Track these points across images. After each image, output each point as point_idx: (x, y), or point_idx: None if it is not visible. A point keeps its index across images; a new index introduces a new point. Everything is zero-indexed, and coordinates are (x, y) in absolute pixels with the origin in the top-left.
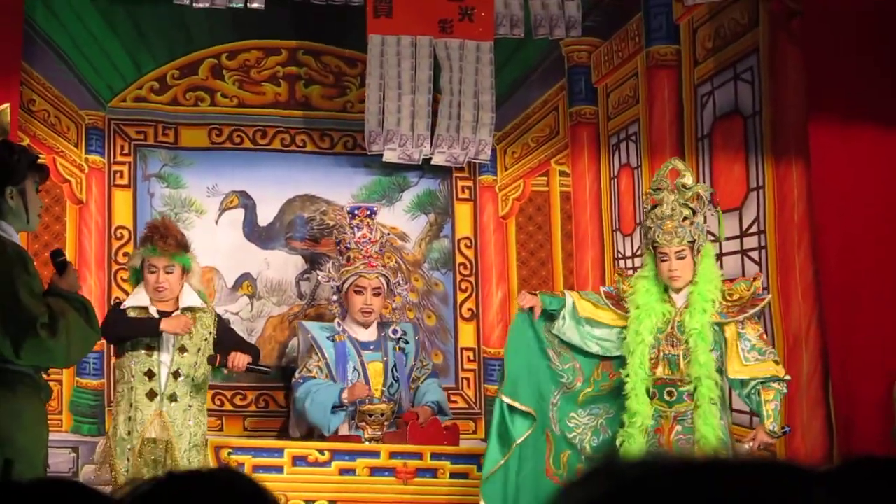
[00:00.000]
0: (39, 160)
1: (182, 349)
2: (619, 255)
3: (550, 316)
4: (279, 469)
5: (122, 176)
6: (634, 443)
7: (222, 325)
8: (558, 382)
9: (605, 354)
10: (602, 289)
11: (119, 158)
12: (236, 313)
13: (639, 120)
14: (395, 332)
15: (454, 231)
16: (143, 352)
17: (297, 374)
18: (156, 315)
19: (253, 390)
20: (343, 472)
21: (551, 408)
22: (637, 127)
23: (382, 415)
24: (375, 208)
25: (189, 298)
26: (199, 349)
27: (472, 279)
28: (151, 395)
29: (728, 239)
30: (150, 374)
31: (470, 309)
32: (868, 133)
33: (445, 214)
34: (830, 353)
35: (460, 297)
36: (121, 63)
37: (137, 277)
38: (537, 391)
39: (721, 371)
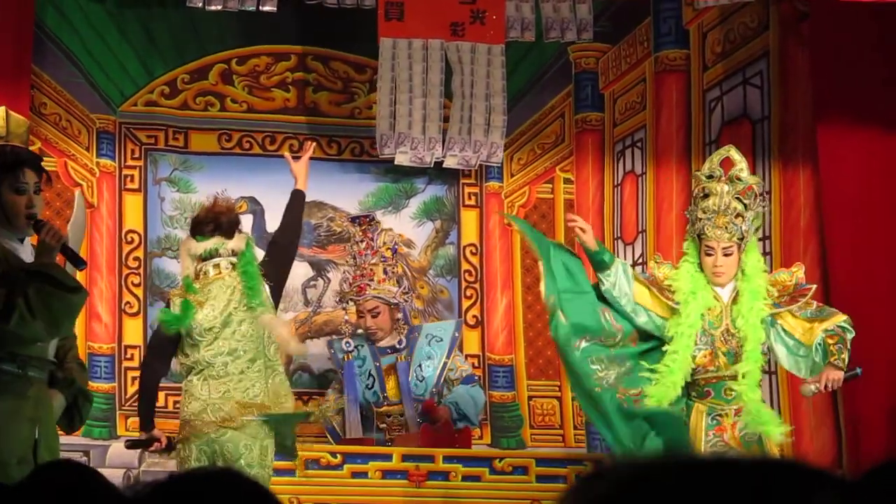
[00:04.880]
0: (11, 160)
1: None
2: None
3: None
4: (291, 472)
5: (132, 180)
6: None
7: None
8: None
9: (651, 331)
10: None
11: (130, 162)
12: None
13: (645, 126)
14: (400, 343)
15: (460, 238)
16: None
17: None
18: None
19: None
20: (355, 474)
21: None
22: (643, 133)
23: (401, 415)
24: (373, 216)
25: None
26: None
27: (477, 286)
28: None
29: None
30: None
31: (475, 316)
32: (877, 136)
33: (451, 221)
34: None
35: (465, 303)
36: (131, 67)
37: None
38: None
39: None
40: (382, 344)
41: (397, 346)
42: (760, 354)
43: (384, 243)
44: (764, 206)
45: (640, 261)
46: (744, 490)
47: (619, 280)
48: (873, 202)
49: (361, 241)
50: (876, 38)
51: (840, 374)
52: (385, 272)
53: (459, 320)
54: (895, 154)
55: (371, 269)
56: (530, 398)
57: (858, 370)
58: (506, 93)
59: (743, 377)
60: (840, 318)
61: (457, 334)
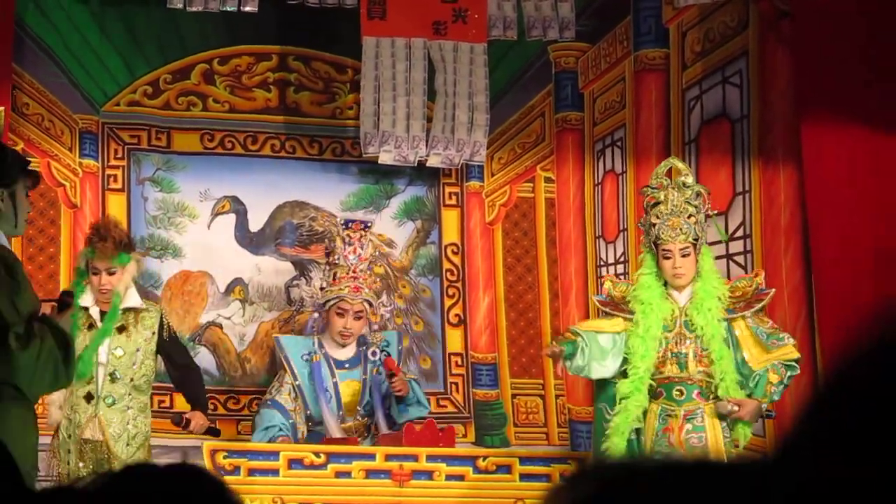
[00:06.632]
0: (30, 165)
1: (118, 350)
2: (602, 262)
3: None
4: (275, 472)
5: (115, 180)
6: (620, 434)
7: (170, 334)
8: None
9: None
10: (595, 297)
11: (113, 162)
12: (229, 318)
13: (625, 125)
14: (374, 353)
15: (441, 237)
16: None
17: (269, 391)
18: (97, 316)
19: (246, 394)
20: (339, 474)
21: None
22: (623, 132)
23: (356, 431)
24: (370, 223)
25: (131, 300)
26: (139, 349)
27: (458, 285)
28: (89, 397)
29: (713, 243)
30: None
31: (457, 315)
32: (860, 133)
33: (432, 221)
34: (824, 356)
35: (447, 302)
36: (114, 67)
37: (82, 278)
38: None
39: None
40: (339, 357)
41: (356, 358)
42: (729, 354)
43: (371, 253)
44: (712, 214)
45: (622, 259)
46: (735, 492)
47: (588, 352)
48: (858, 200)
49: (350, 245)
50: (859, 36)
51: (757, 413)
52: (373, 281)
53: (399, 332)
54: (880, 151)
55: (363, 275)
56: (514, 396)
57: (772, 413)
58: (488, 91)
59: (721, 380)
60: (789, 353)
61: (401, 347)
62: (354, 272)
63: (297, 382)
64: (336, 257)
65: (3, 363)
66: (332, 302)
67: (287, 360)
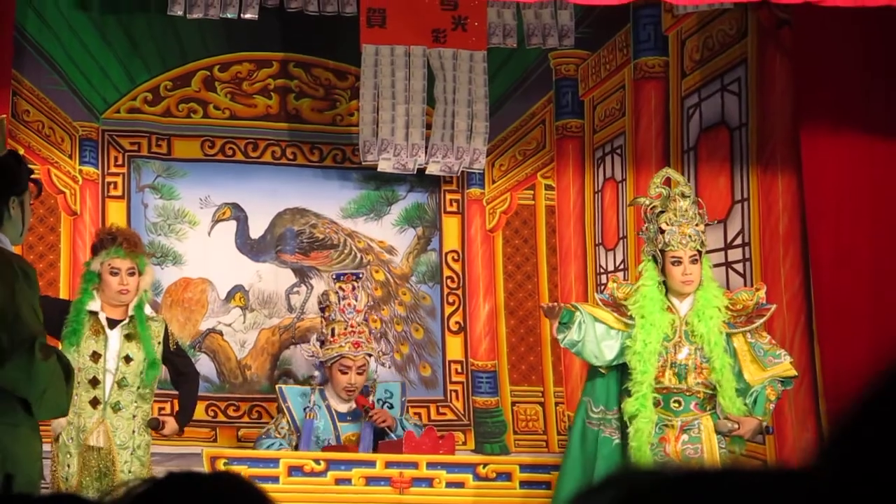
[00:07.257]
0: (34, 174)
1: (128, 358)
2: (602, 270)
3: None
4: (275, 479)
5: (115, 187)
6: (642, 453)
7: (175, 344)
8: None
9: (619, 362)
10: (598, 296)
11: (113, 169)
12: (229, 325)
13: (624, 133)
14: (367, 411)
15: (442, 244)
16: (87, 358)
17: (266, 429)
18: (104, 321)
19: (246, 401)
20: (339, 481)
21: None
22: (623, 140)
23: None
24: (361, 273)
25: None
26: (146, 358)
27: (459, 292)
28: (95, 402)
29: (712, 251)
30: (95, 382)
31: (457, 322)
32: (859, 141)
33: (433, 228)
34: (824, 364)
35: (448, 310)
36: (114, 74)
37: (91, 282)
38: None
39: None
40: (342, 409)
41: (357, 411)
42: (728, 362)
43: (366, 303)
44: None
45: (622, 267)
46: (766, 500)
47: (584, 328)
48: (857, 207)
49: (344, 298)
50: (858, 44)
51: (756, 431)
52: (370, 332)
53: (403, 381)
54: (878, 159)
55: (361, 328)
56: (513, 404)
57: (771, 429)
58: (488, 99)
59: (721, 388)
60: (786, 370)
61: (404, 398)
62: (352, 326)
63: (297, 434)
64: (332, 313)
65: (19, 372)
66: (333, 359)
67: (290, 412)
